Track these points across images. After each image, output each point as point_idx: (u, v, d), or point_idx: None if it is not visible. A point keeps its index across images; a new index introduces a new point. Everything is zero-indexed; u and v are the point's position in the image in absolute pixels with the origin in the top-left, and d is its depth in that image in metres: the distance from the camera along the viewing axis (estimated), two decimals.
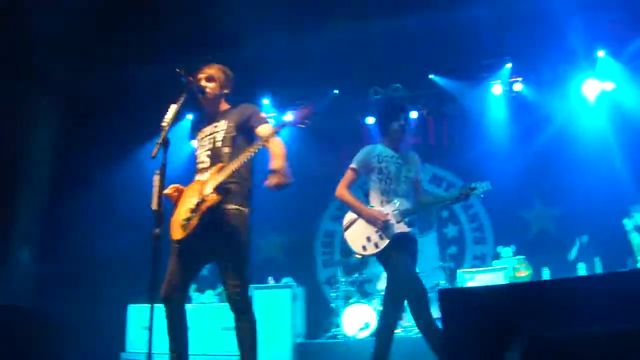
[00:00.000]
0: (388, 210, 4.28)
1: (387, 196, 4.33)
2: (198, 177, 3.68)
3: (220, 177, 3.48)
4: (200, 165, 3.72)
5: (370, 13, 7.70)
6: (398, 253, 4.17)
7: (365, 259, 9.56)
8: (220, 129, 3.73)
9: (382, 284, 8.21)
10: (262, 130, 3.61)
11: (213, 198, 3.44)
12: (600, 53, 8.60)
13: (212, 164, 3.62)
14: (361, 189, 4.85)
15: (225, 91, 3.88)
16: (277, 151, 3.47)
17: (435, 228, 9.57)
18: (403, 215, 4.26)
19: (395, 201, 4.31)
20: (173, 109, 3.41)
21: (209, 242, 3.51)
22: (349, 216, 4.44)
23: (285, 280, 8.71)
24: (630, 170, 8.36)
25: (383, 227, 4.19)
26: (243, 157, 3.44)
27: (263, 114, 3.81)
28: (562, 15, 7.59)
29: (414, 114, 9.19)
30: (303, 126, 3.51)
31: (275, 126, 3.52)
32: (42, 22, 7.08)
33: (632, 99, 8.60)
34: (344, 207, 4.52)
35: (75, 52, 7.93)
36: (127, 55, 7.86)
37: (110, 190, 8.78)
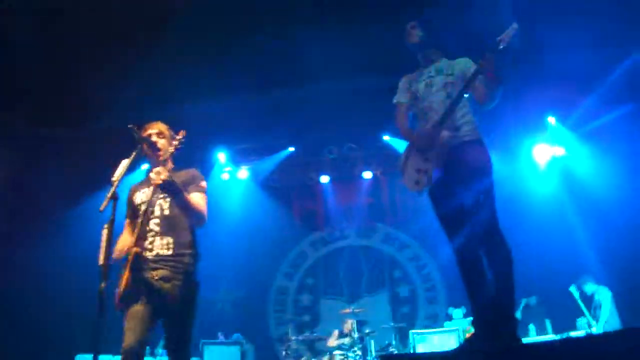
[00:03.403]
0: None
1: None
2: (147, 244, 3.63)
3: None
4: (150, 234, 3.65)
5: (327, 74, 7.84)
6: None
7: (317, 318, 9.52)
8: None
9: (333, 342, 8.12)
10: (194, 197, 3.65)
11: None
12: (551, 119, 8.86)
13: (162, 232, 3.62)
14: None
15: (172, 148, 3.91)
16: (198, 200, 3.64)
17: (388, 287, 9.55)
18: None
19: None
20: (124, 164, 3.41)
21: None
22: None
23: (235, 336, 8.59)
24: (580, 234, 8.50)
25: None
26: None
27: (203, 183, 3.82)
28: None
29: (367, 174, 9.29)
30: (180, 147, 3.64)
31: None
32: None
33: (581, 164, 8.85)
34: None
35: (34, 103, 7.89)
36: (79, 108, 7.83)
37: (58, 240, 8.60)
